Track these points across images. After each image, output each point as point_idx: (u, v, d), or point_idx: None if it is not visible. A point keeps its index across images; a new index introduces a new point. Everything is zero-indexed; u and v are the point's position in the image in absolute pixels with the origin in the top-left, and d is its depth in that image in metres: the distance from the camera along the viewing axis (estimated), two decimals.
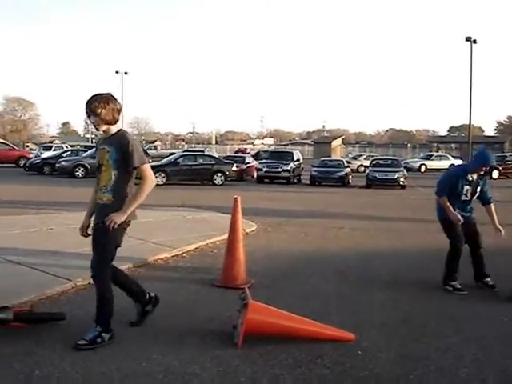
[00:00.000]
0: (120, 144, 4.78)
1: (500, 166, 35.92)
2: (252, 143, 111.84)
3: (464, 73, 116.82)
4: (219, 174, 27.55)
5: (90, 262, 4.87)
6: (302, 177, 31.76)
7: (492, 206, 7.38)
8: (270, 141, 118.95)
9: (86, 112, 4.82)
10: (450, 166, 48.67)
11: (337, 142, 70.83)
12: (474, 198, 7.26)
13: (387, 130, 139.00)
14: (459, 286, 7.08)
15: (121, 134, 4.90)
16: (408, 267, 8.55)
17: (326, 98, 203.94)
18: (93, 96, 4.83)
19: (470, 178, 7.13)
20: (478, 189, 7.19)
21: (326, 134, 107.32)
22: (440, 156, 53.26)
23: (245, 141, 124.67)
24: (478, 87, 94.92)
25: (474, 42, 44.39)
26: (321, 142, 74.88)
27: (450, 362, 4.75)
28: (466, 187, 7.13)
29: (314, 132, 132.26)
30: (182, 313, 5.88)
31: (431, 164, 49.27)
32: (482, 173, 7.19)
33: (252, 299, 5.01)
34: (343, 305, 6.41)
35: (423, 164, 49.30)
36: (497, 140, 76.15)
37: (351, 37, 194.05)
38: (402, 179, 28.10)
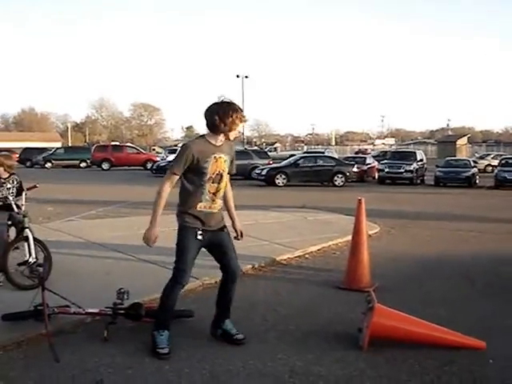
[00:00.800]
0: (232, 152, 4.88)
1: None
2: (372, 143, 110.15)
3: None
4: (339, 175, 27.31)
5: (213, 261, 5.18)
6: (425, 177, 30.91)
7: None
8: (391, 141, 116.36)
9: (242, 121, 4.73)
10: None
11: (462, 141, 68.09)
12: None
13: None
14: None
15: (229, 142, 4.84)
16: None
17: (450, 94, 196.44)
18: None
19: None
20: None
21: (450, 133, 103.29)
22: None
23: (365, 141, 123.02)
24: None
25: None
26: (445, 141, 72.27)
27: None
28: None
29: (437, 131, 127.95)
30: (306, 314, 5.90)
31: None
32: None
33: (377, 302, 4.94)
34: (471, 311, 6.15)
35: None
36: None
37: (475, 32, 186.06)
38: None
